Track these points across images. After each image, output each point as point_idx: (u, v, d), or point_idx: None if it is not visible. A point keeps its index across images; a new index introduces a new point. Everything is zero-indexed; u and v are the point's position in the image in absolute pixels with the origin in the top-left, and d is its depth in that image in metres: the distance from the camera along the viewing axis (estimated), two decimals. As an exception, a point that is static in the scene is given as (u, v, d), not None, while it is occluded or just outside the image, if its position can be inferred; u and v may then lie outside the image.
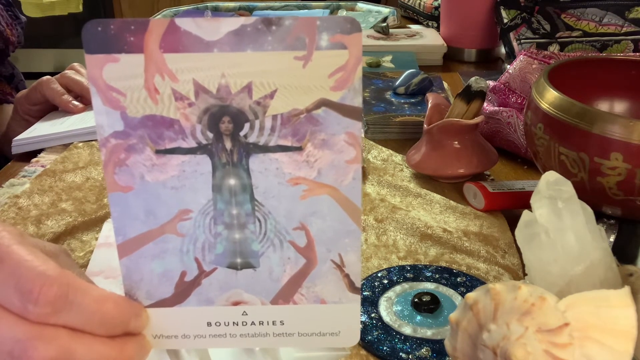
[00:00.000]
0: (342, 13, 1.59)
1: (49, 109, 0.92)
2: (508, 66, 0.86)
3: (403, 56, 1.20)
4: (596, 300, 0.33)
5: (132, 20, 0.28)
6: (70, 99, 0.89)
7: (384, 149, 0.81)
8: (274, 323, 0.33)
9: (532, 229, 0.39)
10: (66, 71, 0.93)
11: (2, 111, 1.03)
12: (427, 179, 0.74)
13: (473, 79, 0.72)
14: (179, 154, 0.30)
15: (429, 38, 1.28)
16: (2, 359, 0.28)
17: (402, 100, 0.95)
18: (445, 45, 1.23)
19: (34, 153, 0.82)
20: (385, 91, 0.98)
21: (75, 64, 0.95)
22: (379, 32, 1.33)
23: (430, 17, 1.48)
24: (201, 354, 0.38)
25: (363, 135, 0.85)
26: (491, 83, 0.85)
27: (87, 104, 0.90)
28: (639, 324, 0.32)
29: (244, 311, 0.33)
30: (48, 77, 0.91)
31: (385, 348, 0.46)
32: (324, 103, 0.29)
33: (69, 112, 0.89)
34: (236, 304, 0.33)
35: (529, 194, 0.40)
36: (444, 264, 0.57)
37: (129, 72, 0.29)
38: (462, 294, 0.52)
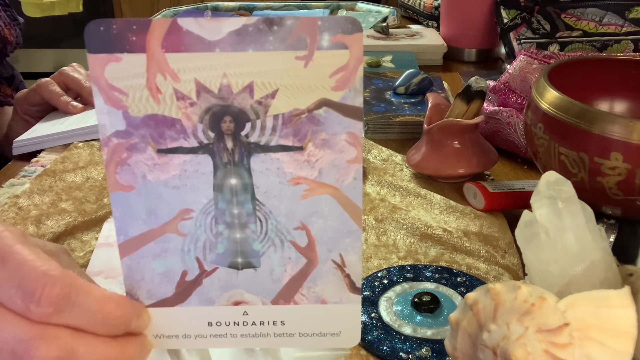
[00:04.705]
0: (342, 13, 1.59)
1: (49, 109, 0.91)
2: (508, 66, 0.86)
3: (403, 56, 1.20)
4: (596, 300, 0.33)
5: (134, 19, 0.28)
6: (69, 99, 0.89)
7: (384, 149, 0.81)
8: (274, 323, 0.33)
9: (532, 229, 0.39)
10: (64, 68, 0.92)
11: (3, 113, 1.02)
12: (427, 179, 0.74)
13: (473, 79, 0.72)
14: (180, 153, 0.30)
15: (429, 38, 1.28)
16: (4, 359, 0.29)
17: (402, 100, 0.95)
18: (445, 45, 1.23)
19: (34, 153, 0.82)
20: (385, 91, 0.98)
21: (74, 63, 0.95)
22: (379, 32, 1.33)
23: (430, 17, 1.48)
24: (202, 353, 0.38)
25: (363, 135, 0.85)
26: (491, 83, 0.85)
27: (86, 103, 0.90)
28: (639, 324, 0.32)
29: (245, 311, 0.33)
30: (46, 79, 0.90)
31: (385, 348, 0.46)
32: (325, 103, 0.29)
33: (68, 113, 0.89)
34: (237, 303, 0.33)
35: (529, 194, 0.40)
36: (444, 264, 0.57)
37: (131, 71, 0.29)
38: (462, 294, 0.52)
